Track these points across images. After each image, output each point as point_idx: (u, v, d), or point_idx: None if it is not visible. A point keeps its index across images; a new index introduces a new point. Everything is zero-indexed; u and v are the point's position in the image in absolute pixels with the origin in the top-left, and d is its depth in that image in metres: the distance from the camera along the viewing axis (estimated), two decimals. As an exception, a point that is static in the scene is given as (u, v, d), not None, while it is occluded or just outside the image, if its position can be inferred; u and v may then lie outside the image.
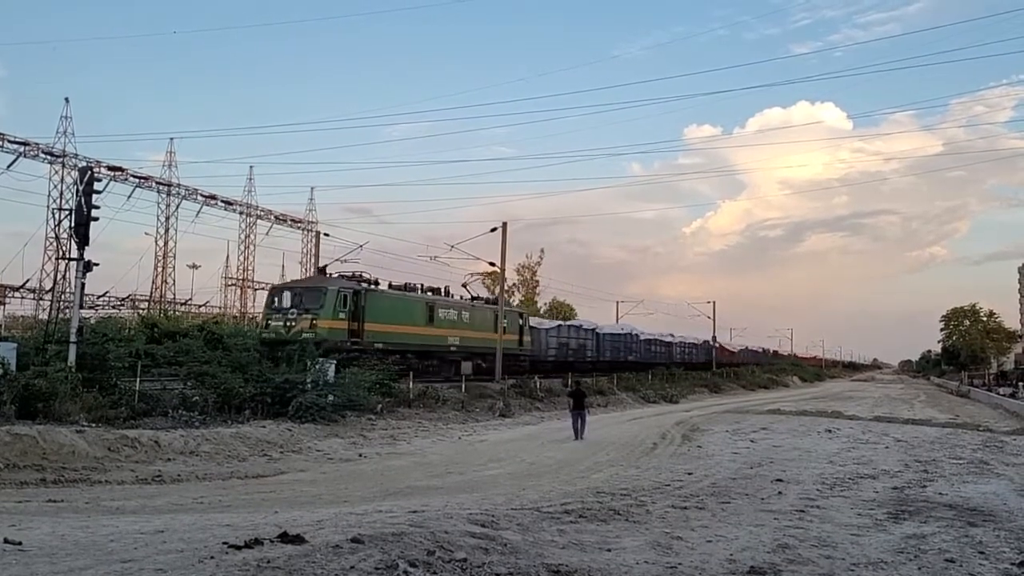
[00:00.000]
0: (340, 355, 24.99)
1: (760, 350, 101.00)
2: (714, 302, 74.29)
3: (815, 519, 9.97)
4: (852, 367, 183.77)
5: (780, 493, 12.12)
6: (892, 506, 11.12)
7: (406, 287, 32.98)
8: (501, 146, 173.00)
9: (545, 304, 76.77)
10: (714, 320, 73.52)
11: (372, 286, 29.94)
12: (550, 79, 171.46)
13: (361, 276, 30.57)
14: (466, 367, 33.81)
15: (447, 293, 35.55)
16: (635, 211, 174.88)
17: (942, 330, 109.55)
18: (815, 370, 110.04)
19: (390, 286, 32.05)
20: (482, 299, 38.84)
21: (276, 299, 28.73)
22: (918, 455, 17.90)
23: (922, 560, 7.87)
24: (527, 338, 40.06)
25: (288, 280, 47.66)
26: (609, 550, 7.63)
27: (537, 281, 78.13)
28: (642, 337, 60.21)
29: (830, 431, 23.92)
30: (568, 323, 51.92)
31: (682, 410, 34.29)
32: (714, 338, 74.43)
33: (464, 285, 38.80)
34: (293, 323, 26.29)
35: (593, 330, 51.81)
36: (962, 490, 12.86)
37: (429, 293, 33.96)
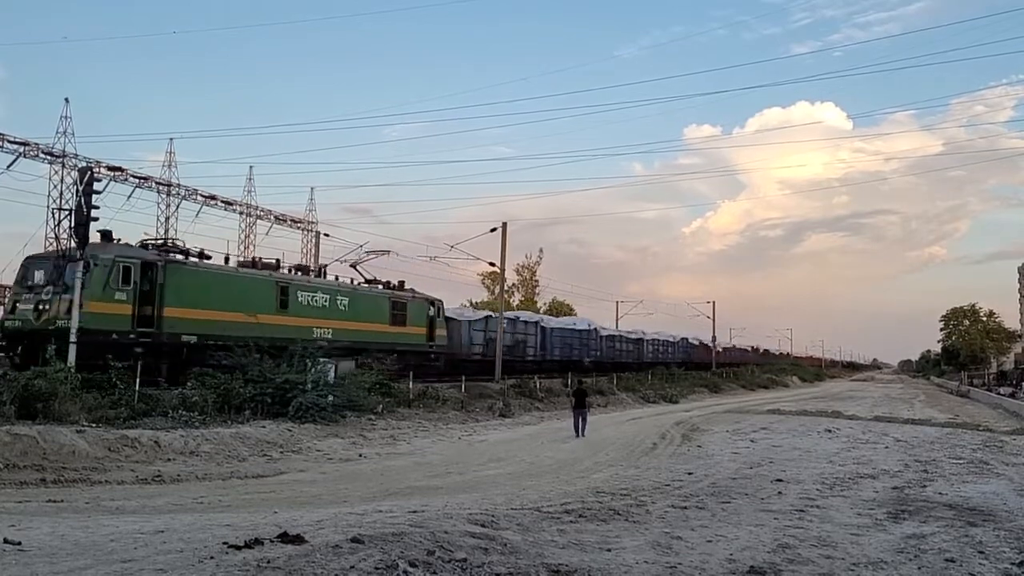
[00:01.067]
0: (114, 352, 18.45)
1: (750, 349, 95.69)
2: (713, 302, 74.23)
3: (815, 519, 9.97)
4: (852, 367, 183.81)
5: (780, 493, 12.12)
6: (892, 506, 11.12)
7: (254, 263, 25.81)
8: (501, 146, 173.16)
9: (544, 304, 76.83)
10: (713, 320, 73.54)
11: (187, 257, 22.49)
12: (550, 79, 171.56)
13: (171, 244, 23.25)
14: (345, 367, 25.18)
15: (322, 273, 28.45)
16: (635, 211, 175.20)
17: (942, 330, 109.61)
18: (815, 370, 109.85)
19: (227, 262, 24.31)
20: (382, 283, 31.40)
21: (29, 273, 20.42)
22: (918, 455, 17.90)
23: (922, 560, 7.87)
24: (440, 332, 33.05)
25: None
26: (609, 550, 7.63)
27: (536, 281, 78.34)
28: (603, 333, 53.23)
29: (830, 431, 23.91)
30: (506, 316, 40.92)
31: (682, 410, 34.30)
32: (713, 338, 74.33)
33: (353, 265, 31.99)
34: (47, 306, 19.37)
35: (537, 323, 44.08)
36: (962, 490, 12.85)
37: (297, 272, 27.16)
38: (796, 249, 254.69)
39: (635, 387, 41.20)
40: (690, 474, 14.24)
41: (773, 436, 22.09)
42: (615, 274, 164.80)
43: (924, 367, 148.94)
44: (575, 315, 69.77)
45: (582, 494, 11.53)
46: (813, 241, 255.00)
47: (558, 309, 73.98)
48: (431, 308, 32.83)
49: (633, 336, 59.44)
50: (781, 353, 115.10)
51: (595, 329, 51.36)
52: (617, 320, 66.62)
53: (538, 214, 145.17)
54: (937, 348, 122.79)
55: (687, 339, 70.01)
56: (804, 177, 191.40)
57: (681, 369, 57.57)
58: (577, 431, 21.33)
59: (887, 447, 19.70)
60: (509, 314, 42.86)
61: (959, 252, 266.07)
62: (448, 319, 34.89)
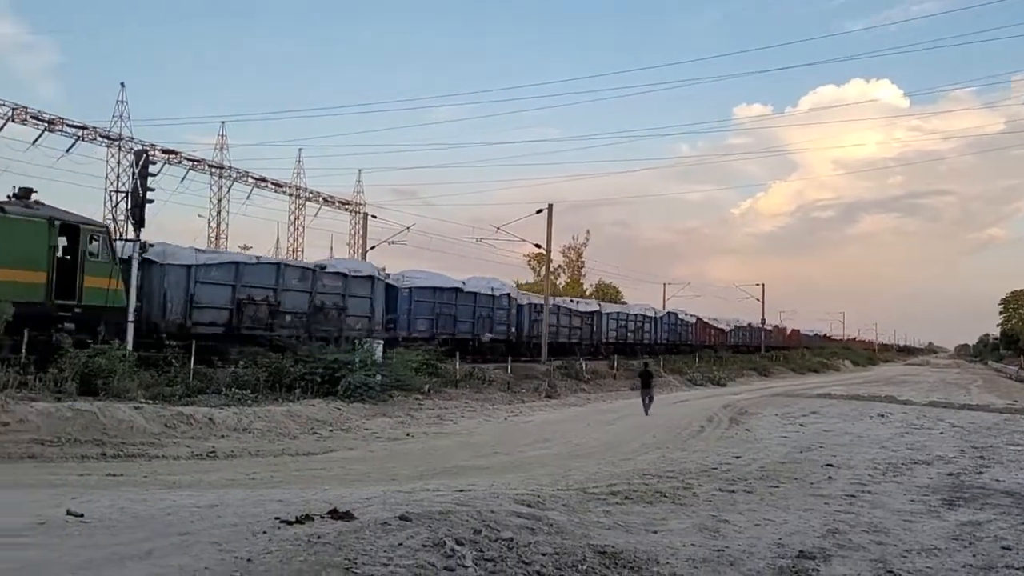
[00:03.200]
0: None
1: (771, 328, 77.29)
2: (763, 284, 72.82)
3: (866, 504, 9.82)
4: (906, 351, 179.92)
5: (830, 478, 11.95)
6: (946, 492, 10.89)
7: None
8: (547, 127, 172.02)
9: (591, 286, 76.55)
10: (763, 303, 72.32)
11: None
12: (598, 59, 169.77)
13: None
14: None
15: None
16: (683, 192, 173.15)
17: (1001, 313, 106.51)
18: (867, 354, 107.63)
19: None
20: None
21: None
22: (974, 441, 17.47)
23: (977, 547, 7.71)
24: (101, 282, 17.66)
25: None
26: (655, 532, 7.61)
27: (583, 263, 78.01)
28: (523, 302, 37.42)
29: (883, 416, 23.45)
30: (289, 263, 27.73)
31: (729, 393, 34.01)
32: (763, 320, 73.19)
33: None
34: None
35: (372, 279, 27.28)
36: (1020, 477, 12.51)
37: None
38: (849, 230, 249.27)
39: (682, 369, 41.28)
40: (738, 457, 14.10)
41: (823, 420, 21.75)
42: (662, 256, 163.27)
43: (982, 352, 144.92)
44: (622, 298, 69.04)
45: (628, 476, 11.51)
46: (867, 222, 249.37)
47: (604, 291, 73.65)
48: (65, 236, 17.61)
49: (583, 308, 43.65)
50: (826, 336, 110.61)
51: (506, 295, 35.62)
52: (664, 302, 66.05)
53: (584, 195, 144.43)
54: (996, 332, 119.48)
55: (675, 314, 56.31)
56: (858, 157, 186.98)
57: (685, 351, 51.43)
58: (645, 410, 22.45)
59: (942, 433, 19.26)
60: (311, 262, 27.51)
61: (1020, 233, 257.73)
62: (145, 262, 19.88)
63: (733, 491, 10.42)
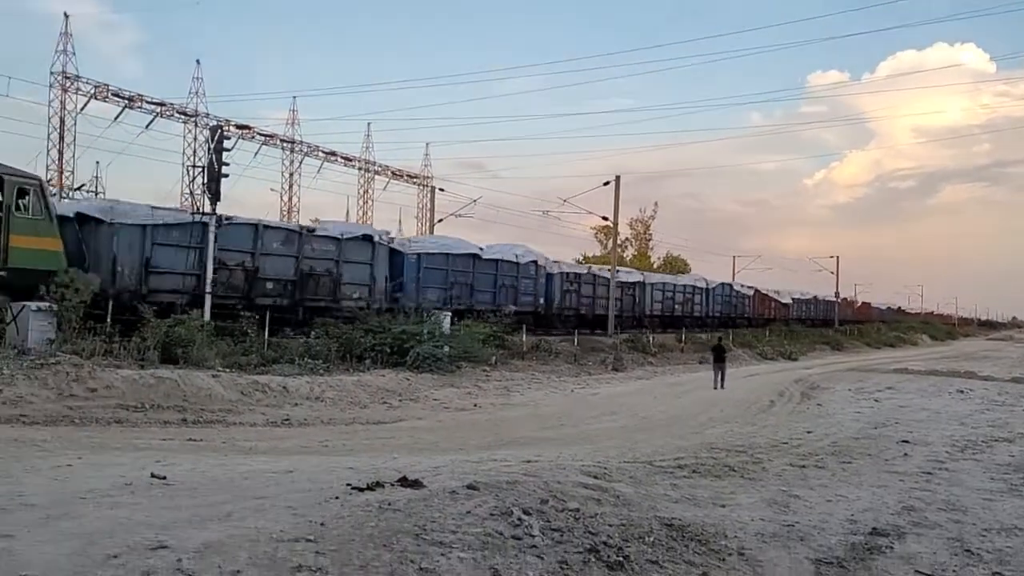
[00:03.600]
0: None
1: (812, 299, 67.39)
2: (837, 257, 70.74)
3: (943, 482, 9.53)
4: (988, 326, 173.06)
5: (906, 455, 11.63)
6: (1030, 472, 10.49)
7: None
8: (615, 99, 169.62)
9: (659, 258, 75.75)
10: (837, 276, 70.33)
11: None
12: (669, 28, 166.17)
13: None
14: None
15: None
16: (754, 163, 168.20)
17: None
18: (946, 328, 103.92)
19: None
20: None
21: None
22: (1061, 419, 16.78)
23: (1062, 529, 7.42)
24: (34, 242, 16.11)
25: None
26: (723, 506, 7.54)
27: (650, 236, 77.20)
28: (554, 271, 33.68)
29: (962, 392, 22.70)
30: (269, 224, 22.92)
31: (801, 367, 33.38)
32: (837, 294, 71.32)
33: None
34: None
35: (372, 241, 24.65)
36: (1110, 457, 11.97)
37: None
38: (930, 201, 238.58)
39: (752, 343, 40.53)
40: (809, 432, 13.85)
41: (899, 396, 21.18)
42: (732, 228, 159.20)
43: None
44: (690, 270, 67.87)
45: (695, 449, 11.41)
46: (949, 192, 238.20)
47: (672, 264, 72.77)
48: None
49: (623, 278, 39.30)
50: (901, 309, 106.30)
51: (532, 262, 31.49)
52: (734, 275, 64.84)
53: (653, 167, 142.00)
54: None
55: (730, 286, 52.00)
56: (941, 124, 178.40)
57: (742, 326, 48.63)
58: (716, 384, 22.54)
59: (1026, 410, 18.56)
60: (317, 224, 26.26)
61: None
62: (91, 221, 18.41)
63: (804, 466, 10.24)
